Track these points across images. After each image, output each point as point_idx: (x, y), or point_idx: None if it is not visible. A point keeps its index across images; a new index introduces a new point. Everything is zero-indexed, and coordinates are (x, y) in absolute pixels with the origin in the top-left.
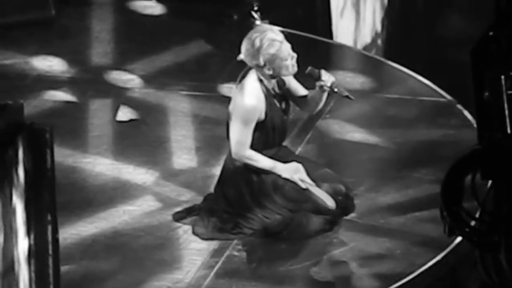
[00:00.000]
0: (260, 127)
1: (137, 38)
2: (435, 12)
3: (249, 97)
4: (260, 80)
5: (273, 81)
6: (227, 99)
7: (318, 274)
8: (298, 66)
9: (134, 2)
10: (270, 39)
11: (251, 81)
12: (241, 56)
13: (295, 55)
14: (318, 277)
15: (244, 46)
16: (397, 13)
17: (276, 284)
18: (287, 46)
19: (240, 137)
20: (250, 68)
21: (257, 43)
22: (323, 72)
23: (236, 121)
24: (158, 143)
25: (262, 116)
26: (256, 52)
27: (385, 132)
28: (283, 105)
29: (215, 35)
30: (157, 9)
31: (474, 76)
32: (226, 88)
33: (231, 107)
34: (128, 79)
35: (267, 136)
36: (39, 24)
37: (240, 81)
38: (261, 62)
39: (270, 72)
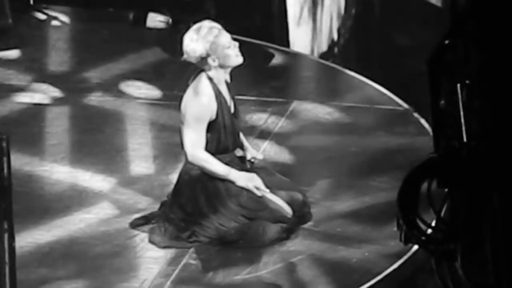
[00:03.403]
0: (212, 127)
1: (93, 46)
2: (391, 20)
3: (200, 95)
4: (210, 79)
5: (222, 78)
6: None
7: (274, 283)
8: (257, 74)
9: (90, 11)
10: (208, 27)
11: (201, 80)
12: (185, 56)
13: (236, 44)
14: (274, 286)
15: (185, 45)
16: (353, 21)
17: None
18: (226, 35)
19: (193, 137)
20: (199, 72)
21: (195, 35)
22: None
23: (189, 121)
24: (116, 151)
25: (214, 116)
26: (196, 44)
27: (342, 140)
28: (232, 108)
29: (172, 43)
30: (114, 17)
31: (430, 85)
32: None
33: (182, 108)
34: (85, 87)
35: (219, 137)
36: None
37: (191, 83)
38: (204, 52)
39: (216, 64)
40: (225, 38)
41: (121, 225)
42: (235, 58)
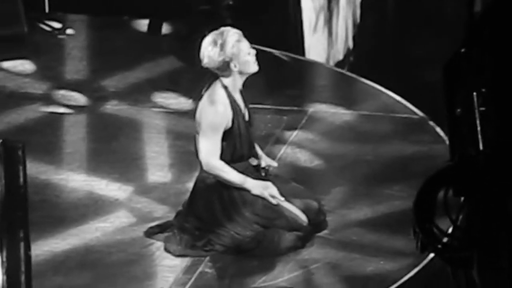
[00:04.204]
0: (227, 135)
1: (109, 54)
2: (407, 29)
3: (215, 103)
4: (225, 88)
5: (238, 86)
6: None
7: None
8: (272, 83)
9: (106, 19)
10: (231, 33)
11: (216, 89)
12: (205, 61)
13: (254, 51)
14: None
15: (205, 50)
16: (369, 30)
17: None
18: (246, 41)
19: (209, 146)
20: (213, 80)
21: (219, 39)
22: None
23: (204, 129)
24: (131, 160)
25: (229, 124)
26: (220, 48)
27: (358, 148)
28: (247, 116)
29: (188, 52)
30: (130, 25)
31: (446, 93)
32: None
33: (197, 116)
34: (100, 95)
35: (234, 146)
36: (11, 40)
37: (205, 92)
38: (228, 56)
39: (236, 69)
40: (246, 44)
41: (136, 234)
42: (253, 65)
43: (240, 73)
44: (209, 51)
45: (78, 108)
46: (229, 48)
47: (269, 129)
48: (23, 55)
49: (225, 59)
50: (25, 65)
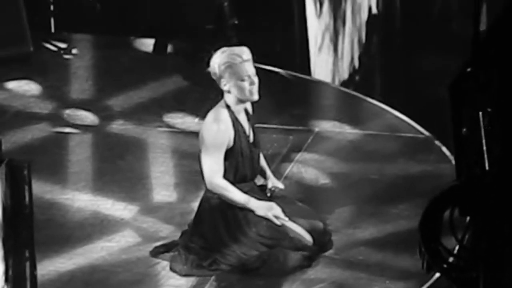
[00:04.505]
0: (229, 155)
1: (115, 74)
2: (413, 48)
3: (218, 121)
4: (228, 107)
5: (241, 107)
6: None
7: None
8: (278, 102)
9: (111, 39)
10: (232, 53)
11: (219, 107)
12: (209, 66)
13: (256, 81)
14: None
15: (215, 55)
16: (375, 49)
17: None
18: (248, 67)
19: (212, 164)
20: (220, 99)
21: (219, 53)
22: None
23: (207, 147)
24: (137, 179)
25: (231, 143)
26: (214, 62)
27: (363, 168)
28: (251, 137)
29: (193, 71)
30: (135, 45)
31: (452, 112)
32: None
33: (200, 135)
34: (106, 115)
35: (237, 166)
36: (17, 60)
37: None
38: (217, 72)
39: (226, 89)
40: (243, 70)
41: (142, 253)
42: (248, 93)
43: (236, 97)
44: (215, 57)
45: (83, 128)
46: (222, 64)
47: (275, 149)
48: (28, 74)
49: (215, 73)
50: (30, 85)
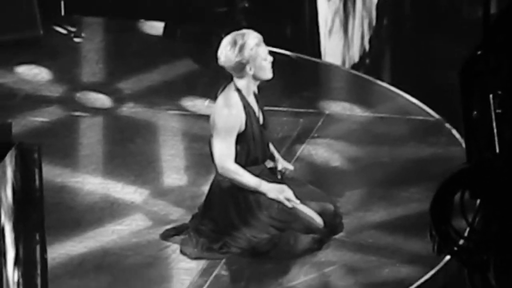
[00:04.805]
0: (241, 139)
1: (125, 57)
2: (423, 31)
3: (229, 106)
4: (238, 90)
5: (251, 89)
6: None
7: None
8: (289, 85)
9: (122, 22)
10: (253, 36)
11: (230, 91)
12: (222, 60)
13: (271, 58)
14: None
15: (224, 49)
16: (385, 32)
17: None
18: (265, 47)
19: (223, 149)
20: (228, 83)
21: (240, 40)
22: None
23: (219, 132)
24: (147, 162)
25: (243, 127)
26: (239, 49)
27: (374, 151)
28: (261, 119)
29: (204, 54)
30: (146, 28)
31: (462, 95)
32: None
33: (212, 119)
34: (116, 98)
35: (248, 149)
36: (27, 43)
37: (220, 94)
38: (245, 59)
39: (251, 73)
40: (264, 49)
41: (153, 237)
42: (268, 72)
43: (254, 77)
44: (227, 50)
45: (94, 111)
46: (248, 51)
47: (285, 132)
48: (38, 58)
49: (241, 61)
50: (40, 68)
